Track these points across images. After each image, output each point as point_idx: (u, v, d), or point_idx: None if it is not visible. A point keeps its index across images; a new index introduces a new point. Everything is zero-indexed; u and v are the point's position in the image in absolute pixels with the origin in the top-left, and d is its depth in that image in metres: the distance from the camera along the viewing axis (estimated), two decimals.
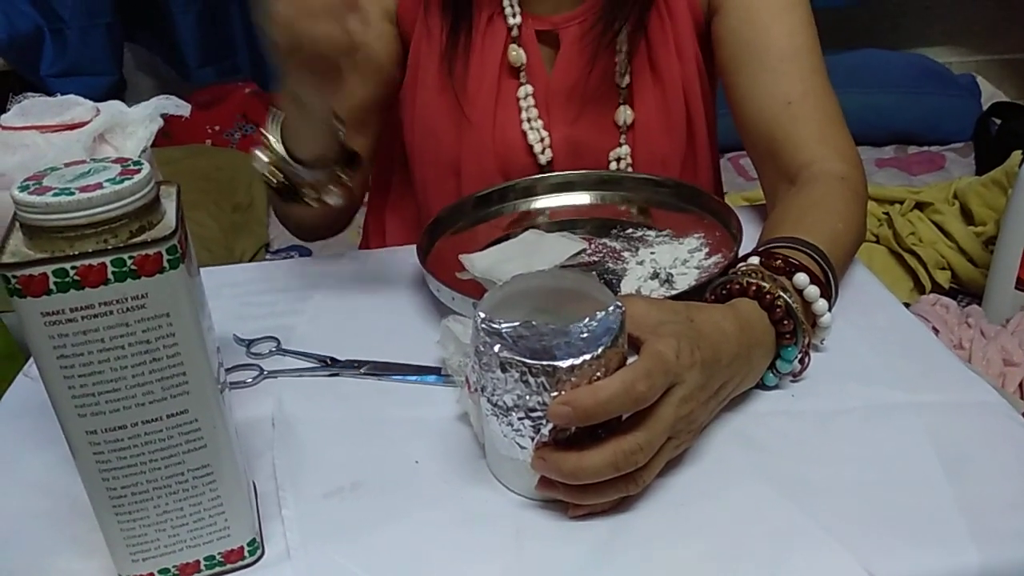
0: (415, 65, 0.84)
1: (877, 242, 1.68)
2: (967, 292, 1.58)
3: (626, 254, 0.70)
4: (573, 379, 0.44)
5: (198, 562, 0.45)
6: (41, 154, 0.48)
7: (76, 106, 0.51)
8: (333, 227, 0.90)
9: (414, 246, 0.70)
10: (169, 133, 2.03)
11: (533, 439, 0.46)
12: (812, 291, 0.56)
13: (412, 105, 0.85)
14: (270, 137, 0.68)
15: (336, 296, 0.72)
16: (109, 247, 0.37)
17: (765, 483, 0.49)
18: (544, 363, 0.44)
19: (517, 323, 0.46)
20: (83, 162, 0.41)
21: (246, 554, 0.46)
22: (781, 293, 0.54)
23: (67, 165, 0.40)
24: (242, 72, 2.11)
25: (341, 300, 0.71)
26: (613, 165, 0.84)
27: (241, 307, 0.71)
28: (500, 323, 0.46)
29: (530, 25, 0.81)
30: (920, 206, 1.74)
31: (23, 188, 0.37)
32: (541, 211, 0.79)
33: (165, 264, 0.38)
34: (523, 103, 0.82)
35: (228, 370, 0.62)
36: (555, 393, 0.44)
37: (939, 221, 1.67)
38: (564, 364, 0.44)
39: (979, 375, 0.58)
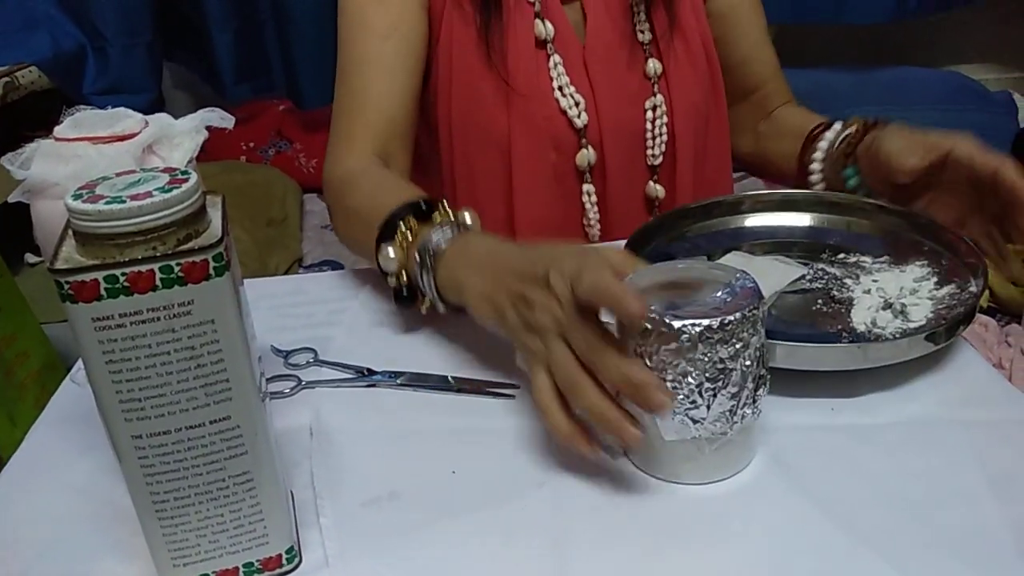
0: (448, 48, 0.85)
1: None
2: (1006, 311, 1.55)
3: (848, 281, 0.66)
4: (747, 329, 0.47)
5: (237, 568, 0.46)
6: (92, 164, 0.49)
7: (126, 118, 0.53)
8: None
9: None
10: (204, 148, 2.07)
11: (709, 407, 0.48)
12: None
13: (449, 88, 0.86)
14: (415, 252, 0.61)
15: (372, 307, 0.73)
16: (158, 254, 0.38)
17: (806, 498, 0.49)
18: (720, 319, 0.46)
19: (661, 303, 0.48)
20: (133, 172, 0.41)
21: (284, 562, 0.46)
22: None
23: (118, 175, 0.41)
24: (277, 90, 2.14)
25: (377, 311, 0.72)
26: (649, 114, 0.87)
27: (279, 319, 0.72)
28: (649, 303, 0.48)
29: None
30: None
31: (76, 196, 0.38)
32: (746, 230, 0.75)
33: (211, 271, 0.39)
34: (553, 72, 0.85)
35: (267, 380, 0.62)
36: (731, 347, 0.47)
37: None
38: (736, 316, 0.47)
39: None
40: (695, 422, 0.48)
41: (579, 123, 0.85)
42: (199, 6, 1.98)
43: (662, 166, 0.89)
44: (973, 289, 0.63)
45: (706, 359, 0.47)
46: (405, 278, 0.64)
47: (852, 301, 0.64)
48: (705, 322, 0.47)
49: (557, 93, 0.85)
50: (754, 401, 0.49)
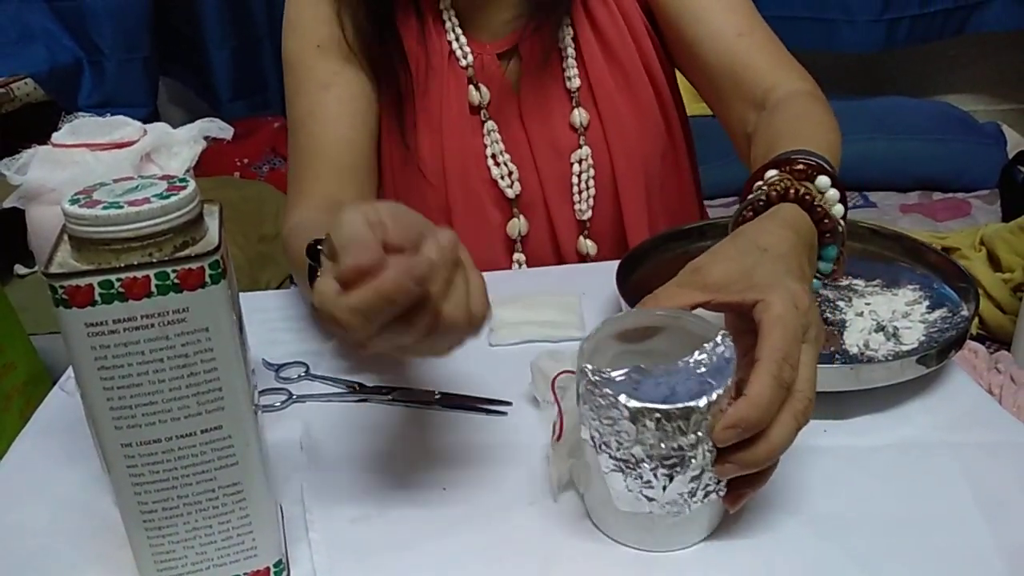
0: (388, 117, 0.82)
1: None
2: (996, 339, 1.56)
3: (841, 304, 0.67)
4: (709, 417, 0.42)
5: None
6: (90, 170, 0.49)
7: (125, 126, 0.53)
8: None
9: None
10: (199, 163, 2.07)
11: (665, 488, 0.43)
12: (833, 194, 0.55)
13: (390, 159, 0.84)
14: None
15: None
16: (154, 260, 0.38)
17: (798, 518, 0.49)
18: (680, 406, 0.41)
19: (626, 369, 0.44)
20: (131, 178, 0.41)
21: (272, 575, 0.46)
22: (818, 193, 0.54)
23: (116, 181, 0.41)
24: (272, 107, 2.14)
25: None
26: (576, 167, 0.83)
27: (270, 332, 0.71)
28: (609, 372, 0.43)
29: (490, 51, 0.82)
30: (946, 251, 1.72)
31: (73, 201, 0.38)
32: None
33: (207, 279, 0.39)
34: (487, 139, 0.82)
35: (258, 393, 0.62)
36: (691, 436, 0.42)
37: (966, 267, 1.65)
38: (702, 403, 0.41)
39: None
40: (649, 500, 0.44)
41: (511, 193, 0.83)
42: (197, 22, 1.99)
43: (593, 220, 0.84)
44: (965, 313, 0.63)
45: (662, 444, 0.42)
46: None
47: (845, 323, 0.64)
48: (663, 407, 0.41)
49: (490, 161, 0.82)
50: (719, 481, 0.44)
